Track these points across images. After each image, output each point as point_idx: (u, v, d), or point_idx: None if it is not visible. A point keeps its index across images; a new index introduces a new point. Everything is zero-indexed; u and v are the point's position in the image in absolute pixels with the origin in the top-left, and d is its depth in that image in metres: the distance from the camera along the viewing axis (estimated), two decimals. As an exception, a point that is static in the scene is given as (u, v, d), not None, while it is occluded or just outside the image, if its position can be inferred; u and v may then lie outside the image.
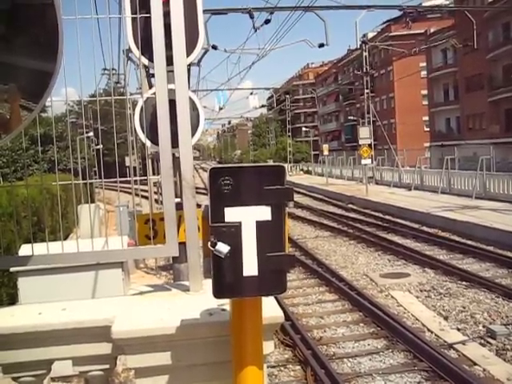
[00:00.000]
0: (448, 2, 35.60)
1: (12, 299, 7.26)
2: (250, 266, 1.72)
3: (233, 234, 1.70)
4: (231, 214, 1.70)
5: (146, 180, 17.14)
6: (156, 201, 16.24)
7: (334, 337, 8.60)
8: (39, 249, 2.58)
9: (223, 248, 1.67)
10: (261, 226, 1.71)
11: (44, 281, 4.34)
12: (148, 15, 2.49)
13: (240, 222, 1.71)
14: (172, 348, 2.15)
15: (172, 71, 2.52)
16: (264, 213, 1.71)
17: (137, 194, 17.81)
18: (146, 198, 20.44)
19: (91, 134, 30.41)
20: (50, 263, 2.67)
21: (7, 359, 2.29)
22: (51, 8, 2.09)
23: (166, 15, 2.53)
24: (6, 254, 3.23)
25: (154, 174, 15.58)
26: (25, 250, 3.09)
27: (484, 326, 8.43)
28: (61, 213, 6.89)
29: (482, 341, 7.89)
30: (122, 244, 2.85)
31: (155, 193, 16.35)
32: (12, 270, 4.11)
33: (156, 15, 2.45)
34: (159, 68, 2.47)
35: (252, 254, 1.71)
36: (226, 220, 1.71)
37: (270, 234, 1.73)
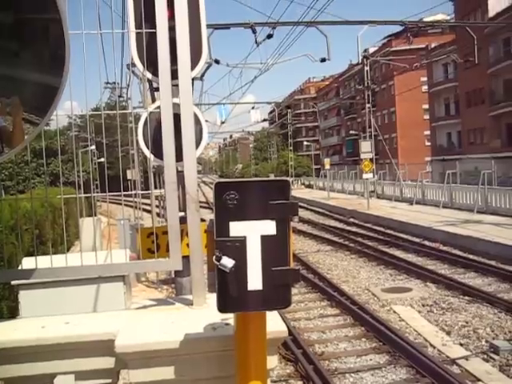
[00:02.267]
0: (449, 18, 35.88)
1: (12, 313, 7.23)
2: (255, 280, 1.72)
3: (238, 249, 1.70)
4: (236, 229, 1.71)
5: (147, 193, 17.15)
6: (158, 214, 16.26)
7: (336, 352, 8.55)
8: (42, 262, 2.58)
9: (228, 262, 1.68)
10: (266, 240, 1.72)
11: (45, 294, 4.32)
12: (153, 30, 2.51)
13: (245, 237, 1.71)
14: (175, 362, 2.14)
15: (176, 85, 2.54)
16: (269, 227, 1.72)
17: (139, 208, 17.81)
18: (147, 211, 20.45)
19: (93, 147, 30.53)
20: (54, 276, 2.67)
21: (10, 373, 2.28)
22: (58, 23, 2.11)
23: (171, 30, 2.56)
24: (7, 266, 3.23)
25: (156, 187, 15.63)
26: (27, 263, 3.09)
27: (487, 341, 8.38)
28: (64, 225, 6.89)
29: (485, 356, 7.84)
30: (126, 257, 2.85)
31: (157, 206, 16.37)
32: (13, 282, 4.10)
33: (161, 30, 2.47)
34: (164, 82, 2.49)
35: (257, 268, 1.72)
36: (231, 234, 1.71)
37: (274, 248, 1.73)
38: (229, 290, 1.72)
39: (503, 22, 32.21)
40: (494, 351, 7.91)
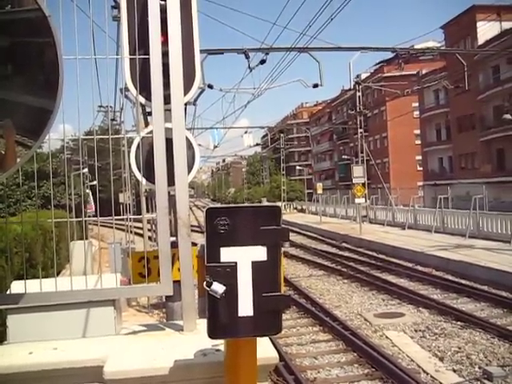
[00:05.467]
0: (439, 45, 36.36)
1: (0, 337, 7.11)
2: (246, 306, 1.71)
3: (228, 274, 1.69)
4: (227, 254, 1.70)
5: (139, 217, 17.09)
6: (150, 238, 16.17)
7: (329, 378, 8.46)
8: (31, 286, 2.55)
9: (219, 288, 1.67)
10: (256, 266, 1.71)
11: (34, 318, 4.27)
12: (147, 56, 2.53)
13: (236, 262, 1.70)
14: (165, 389, 2.11)
15: (169, 110, 2.55)
16: (260, 253, 1.71)
17: (130, 231, 17.73)
18: (140, 235, 20.35)
19: (86, 170, 30.45)
20: (43, 301, 2.64)
21: (-4, 400, 2.24)
22: (52, 47, 2.12)
23: (164, 55, 2.57)
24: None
25: (148, 211, 15.58)
26: (16, 286, 3.05)
27: (480, 368, 8.31)
28: (54, 249, 6.84)
29: (479, 383, 7.78)
30: (116, 282, 2.82)
31: (149, 230, 16.29)
32: (1, 307, 4.05)
33: (154, 55, 2.49)
34: (157, 107, 2.50)
35: (247, 294, 1.70)
36: (222, 260, 1.70)
37: (265, 274, 1.72)
38: (219, 316, 1.71)
39: (492, 50, 32.66)
40: (488, 378, 7.84)
